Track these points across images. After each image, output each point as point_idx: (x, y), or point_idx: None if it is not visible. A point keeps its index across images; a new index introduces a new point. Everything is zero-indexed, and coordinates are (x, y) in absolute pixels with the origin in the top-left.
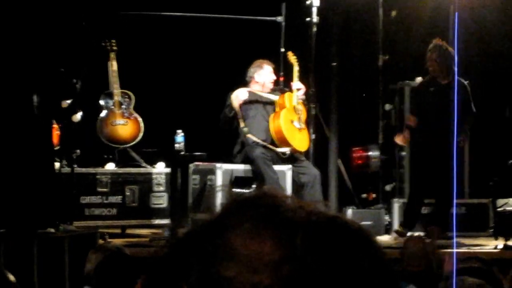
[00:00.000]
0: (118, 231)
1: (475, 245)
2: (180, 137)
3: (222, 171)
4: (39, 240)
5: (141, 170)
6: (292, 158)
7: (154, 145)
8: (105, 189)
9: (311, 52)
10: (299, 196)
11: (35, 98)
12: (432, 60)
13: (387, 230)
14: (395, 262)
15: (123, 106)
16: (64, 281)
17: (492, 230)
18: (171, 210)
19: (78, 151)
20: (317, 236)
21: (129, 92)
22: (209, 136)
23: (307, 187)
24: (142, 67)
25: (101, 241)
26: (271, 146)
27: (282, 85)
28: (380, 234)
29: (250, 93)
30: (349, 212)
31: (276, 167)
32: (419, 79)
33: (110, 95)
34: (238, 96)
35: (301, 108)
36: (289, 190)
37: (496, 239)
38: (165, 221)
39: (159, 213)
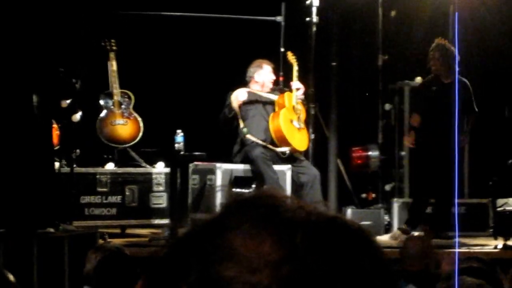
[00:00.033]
0: (117, 231)
1: (474, 245)
2: (179, 137)
3: (222, 171)
4: (38, 240)
5: (141, 170)
6: (291, 158)
7: (153, 145)
8: (104, 189)
9: (310, 52)
10: (299, 196)
11: (34, 98)
12: (435, 59)
13: (387, 230)
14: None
15: (123, 106)
16: (64, 281)
17: (491, 230)
18: (170, 210)
19: (77, 151)
20: (317, 236)
21: (129, 92)
22: (209, 136)
23: (306, 187)
24: (141, 67)
25: (100, 241)
26: (270, 146)
27: (281, 85)
28: (379, 234)
29: (250, 93)
30: (349, 212)
31: (276, 167)
32: (418, 79)
33: (109, 95)
34: (238, 97)
35: (301, 107)
36: (288, 190)
37: (496, 239)
38: (165, 221)
39: (159, 213)
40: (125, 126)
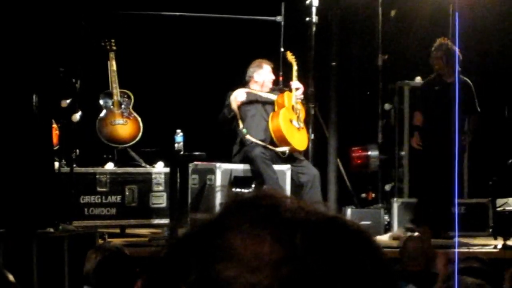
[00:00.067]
0: (117, 230)
1: (474, 245)
2: (179, 136)
3: (222, 171)
4: (38, 239)
5: (141, 169)
6: (291, 158)
7: (153, 145)
8: (104, 189)
9: (310, 52)
10: (299, 196)
11: (34, 97)
12: (438, 59)
13: (387, 230)
14: (395, 262)
15: (123, 106)
16: (64, 281)
17: (491, 230)
18: (170, 210)
19: (77, 150)
20: (317, 236)
21: (129, 92)
22: (209, 136)
23: (306, 187)
24: (141, 67)
25: (100, 241)
26: (270, 146)
27: (281, 85)
28: (379, 234)
29: (249, 93)
30: (349, 211)
31: (276, 167)
32: (418, 79)
33: (109, 95)
34: (237, 97)
35: (300, 107)
36: (288, 190)
37: (495, 238)
38: (165, 221)
39: (159, 212)
40: (125, 126)
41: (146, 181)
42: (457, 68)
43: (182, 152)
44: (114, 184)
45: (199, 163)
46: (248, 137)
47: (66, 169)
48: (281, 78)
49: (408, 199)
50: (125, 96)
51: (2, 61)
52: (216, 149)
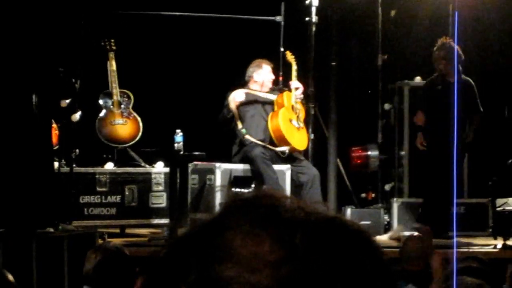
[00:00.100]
0: (117, 230)
1: (474, 245)
2: (179, 136)
3: (221, 170)
4: (38, 239)
5: (140, 169)
6: (291, 158)
7: (153, 145)
8: (104, 189)
9: (310, 51)
10: (298, 196)
11: (34, 97)
12: (440, 59)
13: (386, 229)
14: (394, 262)
15: (122, 106)
16: (63, 281)
17: (491, 229)
18: (170, 210)
19: (77, 150)
20: (316, 236)
21: (128, 92)
22: (208, 135)
23: (306, 186)
24: (141, 67)
25: (100, 241)
26: (270, 146)
27: (281, 85)
28: (379, 234)
29: (248, 93)
30: (348, 211)
31: (275, 167)
32: (418, 79)
33: (109, 95)
34: (235, 98)
35: (300, 107)
36: (288, 190)
37: (495, 238)
38: (164, 221)
39: (158, 212)
40: (125, 126)
41: (145, 181)
42: (457, 67)
43: (182, 152)
44: (114, 184)
45: (199, 163)
46: (247, 137)
47: (65, 169)
48: (281, 78)
49: (408, 199)
50: (125, 96)
51: (2, 61)
52: (216, 149)
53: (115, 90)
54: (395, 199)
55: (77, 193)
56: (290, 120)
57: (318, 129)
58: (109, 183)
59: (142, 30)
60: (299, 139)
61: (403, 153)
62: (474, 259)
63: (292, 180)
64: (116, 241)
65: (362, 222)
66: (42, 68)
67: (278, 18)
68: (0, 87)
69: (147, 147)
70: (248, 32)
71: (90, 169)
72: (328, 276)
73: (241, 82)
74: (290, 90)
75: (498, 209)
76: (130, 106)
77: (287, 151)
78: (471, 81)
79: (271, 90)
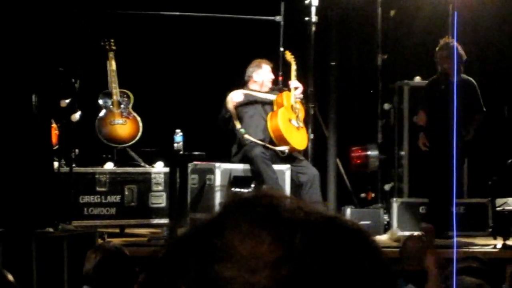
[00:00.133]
0: (117, 230)
1: (473, 245)
2: (179, 136)
3: (221, 170)
4: (37, 239)
5: (140, 169)
6: (291, 158)
7: (153, 145)
8: (104, 189)
9: (310, 51)
10: (298, 196)
11: (34, 97)
12: (444, 58)
13: (386, 229)
14: (394, 262)
15: (122, 106)
16: (63, 281)
17: (491, 229)
18: (170, 210)
19: (77, 150)
20: (316, 236)
21: (128, 92)
22: (208, 135)
23: (306, 186)
24: (140, 67)
25: (100, 241)
26: (269, 145)
27: (281, 85)
28: (379, 234)
29: (247, 94)
30: (348, 211)
31: (275, 167)
32: (417, 78)
33: (108, 95)
34: (233, 98)
35: (299, 106)
36: (288, 189)
37: (495, 238)
38: (164, 221)
39: (158, 212)
40: (124, 126)
41: (145, 181)
42: (457, 67)
43: (181, 152)
44: (114, 184)
45: (199, 163)
46: (246, 136)
47: (65, 169)
48: (280, 78)
49: (407, 199)
50: (125, 96)
51: (2, 61)
52: (215, 149)
53: (115, 90)
54: (394, 199)
55: (76, 193)
56: (290, 120)
57: (317, 129)
58: (108, 183)
59: (142, 30)
60: (299, 138)
61: (402, 153)
62: (474, 259)
63: (292, 180)
64: (116, 241)
65: (362, 222)
66: (42, 68)
67: (278, 18)
68: (0, 87)
69: (147, 147)
70: (248, 32)
71: (90, 169)
72: (328, 276)
73: (241, 82)
74: (289, 90)
75: (498, 209)
76: (130, 106)
77: (286, 150)
78: (473, 80)
79: (271, 90)
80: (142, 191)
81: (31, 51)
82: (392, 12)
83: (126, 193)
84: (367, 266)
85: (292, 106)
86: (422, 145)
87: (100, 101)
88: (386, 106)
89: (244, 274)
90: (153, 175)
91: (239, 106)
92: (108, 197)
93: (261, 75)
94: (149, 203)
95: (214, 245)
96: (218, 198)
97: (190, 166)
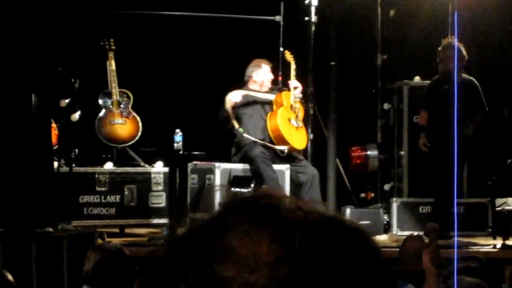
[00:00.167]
0: (116, 230)
1: (473, 245)
2: (178, 136)
3: (221, 170)
4: (37, 239)
5: (140, 169)
6: (290, 158)
7: (152, 145)
8: (103, 189)
9: (309, 51)
10: (298, 196)
11: (33, 97)
12: (448, 58)
13: (386, 229)
14: (394, 262)
15: (122, 106)
16: (63, 281)
17: (490, 229)
18: (169, 210)
19: (76, 150)
20: (315, 236)
21: (128, 92)
22: (208, 135)
23: (305, 186)
24: (140, 67)
25: (99, 241)
26: (269, 144)
27: (280, 84)
28: (378, 234)
29: (246, 94)
30: (348, 211)
31: (275, 167)
32: (417, 78)
33: (108, 95)
34: (231, 99)
35: (299, 106)
36: (287, 189)
37: (495, 238)
38: (164, 221)
39: (158, 212)
40: (124, 126)
41: (145, 181)
42: (457, 67)
43: (181, 152)
44: (113, 184)
45: (198, 162)
46: (245, 135)
47: (65, 169)
48: (280, 78)
49: (407, 199)
50: (124, 95)
51: (1, 61)
52: (215, 149)
53: (115, 89)
54: (394, 199)
55: (76, 193)
56: (289, 120)
57: (317, 128)
58: (108, 183)
59: (141, 29)
60: (298, 138)
61: (402, 153)
62: (474, 259)
63: (292, 179)
64: (116, 240)
65: (362, 222)
66: (42, 68)
67: (278, 18)
68: (0, 87)
69: (147, 146)
70: (247, 32)
71: (90, 169)
72: (327, 275)
73: (241, 82)
74: (289, 89)
75: (498, 209)
76: (130, 106)
77: (286, 150)
78: (474, 80)
79: (271, 90)
80: (142, 191)
81: (31, 51)
82: (392, 12)
83: (126, 193)
84: (366, 265)
85: (291, 105)
86: (422, 145)
87: (100, 101)
88: (386, 106)
89: (243, 274)
90: (152, 175)
91: (238, 106)
92: (108, 197)
93: (260, 75)
94: (148, 203)
95: (214, 245)
96: (217, 198)
97: (190, 166)
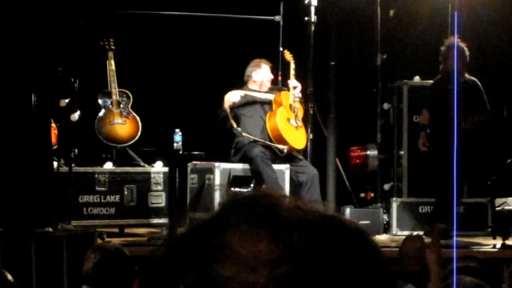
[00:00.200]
0: (116, 230)
1: (473, 244)
2: (178, 136)
3: (220, 170)
4: (37, 239)
5: (139, 169)
6: (290, 157)
7: (152, 144)
8: (103, 188)
9: (309, 51)
10: (297, 195)
11: (33, 97)
12: (451, 58)
13: (385, 229)
14: (394, 262)
15: (121, 105)
16: (63, 281)
17: (490, 229)
18: (169, 209)
19: (76, 150)
20: (314, 235)
21: (127, 91)
22: (208, 135)
23: (305, 186)
24: (140, 66)
25: (99, 241)
26: (268, 143)
27: (280, 84)
28: (378, 234)
29: (246, 94)
30: (347, 211)
31: (275, 166)
32: (417, 78)
33: (108, 94)
34: (230, 99)
35: (298, 106)
36: (287, 189)
37: (494, 238)
38: (163, 220)
39: (157, 212)
40: (124, 126)
41: (145, 181)
42: (463, 67)
43: (181, 152)
44: (113, 184)
45: (198, 162)
46: (245, 134)
47: (65, 169)
48: (279, 78)
49: (407, 199)
50: (124, 95)
51: (1, 61)
52: (215, 149)
53: (114, 89)
54: (394, 198)
55: (76, 193)
56: (288, 119)
57: (317, 128)
58: (108, 183)
59: (141, 29)
60: (298, 138)
61: (402, 152)
62: (473, 259)
63: (291, 179)
64: (115, 240)
65: (361, 222)
66: (41, 68)
67: (277, 18)
68: (0, 87)
69: (146, 146)
70: (247, 32)
71: (89, 169)
72: (326, 275)
73: (240, 81)
74: (288, 89)
75: (497, 208)
76: (129, 106)
77: (285, 150)
78: (477, 81)
79: (270, 90)
80: (142, 191)
81: (30, 51)
82: (392, 12)
83: (126, 192)
84: (366, 265)
85: (290, 105)
86: (422, 145)
87: (100, 101)
88: (386, 106)
89: (243, 274)
90: (152, 175)
91: (237, 106)
92: (108, 196)
93: (260, 75)
94: (148, 203)
95: (213, 245)
96: (217, 197)
97: (190, 165)
